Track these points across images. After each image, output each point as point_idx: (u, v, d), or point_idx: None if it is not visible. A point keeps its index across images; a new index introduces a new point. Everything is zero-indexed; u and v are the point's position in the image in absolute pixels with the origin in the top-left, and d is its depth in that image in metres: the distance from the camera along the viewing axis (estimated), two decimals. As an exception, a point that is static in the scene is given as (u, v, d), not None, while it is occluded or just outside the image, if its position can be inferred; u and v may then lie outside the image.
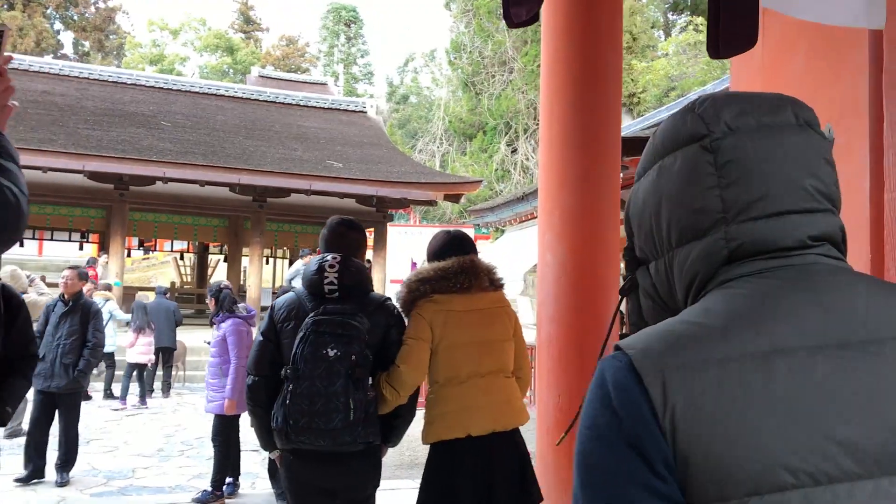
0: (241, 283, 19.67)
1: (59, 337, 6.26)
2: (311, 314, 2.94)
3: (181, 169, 14.69)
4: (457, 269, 3.15)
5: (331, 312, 2.93)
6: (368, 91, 49.64)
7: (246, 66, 41.89)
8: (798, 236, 0.87)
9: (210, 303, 6.17)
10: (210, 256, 23.89)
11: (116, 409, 10.11)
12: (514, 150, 30.08)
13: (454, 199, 18.27)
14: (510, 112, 29.89)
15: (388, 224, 18.64)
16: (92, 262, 15.34)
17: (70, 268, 6.62)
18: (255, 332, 4.07)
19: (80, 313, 6.40)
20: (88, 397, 10.11)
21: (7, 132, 1.49)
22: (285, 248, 22.36)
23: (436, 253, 3.29)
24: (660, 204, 0.93)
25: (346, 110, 21.96)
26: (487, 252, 17.52)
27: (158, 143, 15.97)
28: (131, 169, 14.43)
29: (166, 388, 11.58)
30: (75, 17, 37.91)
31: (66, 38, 40.04)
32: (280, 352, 3.02)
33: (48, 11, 33.97)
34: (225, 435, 5.94)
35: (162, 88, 19.53)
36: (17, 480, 6.20)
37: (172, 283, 18.60)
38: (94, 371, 12.64)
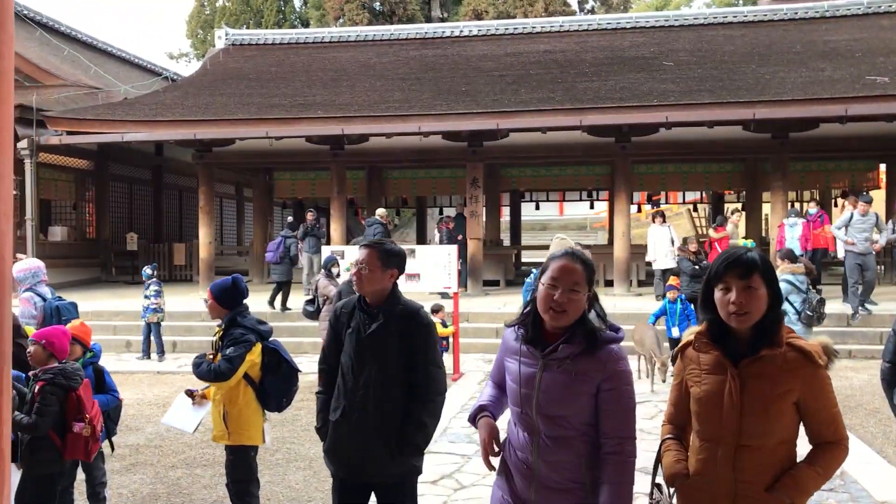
0: (763, 234, 17.25)
1: (365, 378, 3.16)
2: None
3: (685, 111, 13.13)
4: None
5: None
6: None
7: (757, -7, 37.88)
8: None
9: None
10: (726, 205, 21.91)
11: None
12: None
13: None
14: None
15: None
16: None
17: (366, 245, 3.25)
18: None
19: (398, 328, 3.18)
20: None
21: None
22: (813, 191, 19.22)
23: None
24: None
25: (887, 13, 17.62)
26: None
27: (659, 85, 14.59)
28: (630, 118, 13.34)
29: None
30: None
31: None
32: None
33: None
34: None
35: (663, 27, 18.10)
36: None
37: (684, 239, 17.13)
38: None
